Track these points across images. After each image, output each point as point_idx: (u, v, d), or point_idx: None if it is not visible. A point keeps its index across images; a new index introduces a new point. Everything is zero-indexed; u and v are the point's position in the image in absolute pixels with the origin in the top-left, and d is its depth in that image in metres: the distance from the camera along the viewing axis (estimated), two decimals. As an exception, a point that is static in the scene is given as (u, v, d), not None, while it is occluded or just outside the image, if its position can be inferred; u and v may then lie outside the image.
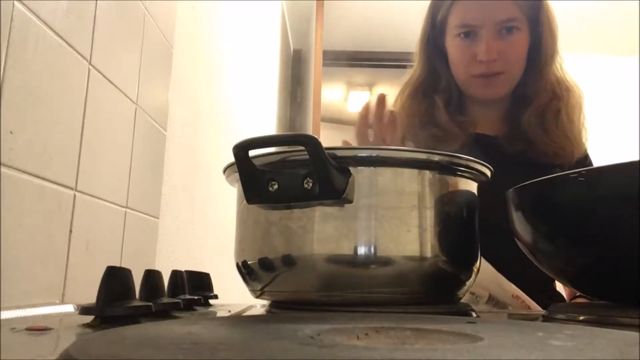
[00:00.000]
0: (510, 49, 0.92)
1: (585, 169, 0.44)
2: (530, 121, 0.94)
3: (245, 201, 0.45)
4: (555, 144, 0.93)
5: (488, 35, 0.91)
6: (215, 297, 0.62)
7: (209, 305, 0.61)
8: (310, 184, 0.43)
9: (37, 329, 0.34)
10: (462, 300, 0.54)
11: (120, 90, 0.74)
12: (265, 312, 0.54)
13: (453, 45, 0.97)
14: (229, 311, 0.56)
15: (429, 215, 0.47)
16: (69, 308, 0.54)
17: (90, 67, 0.65)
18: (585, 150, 0.98)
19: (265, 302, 0.57)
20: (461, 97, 1.00)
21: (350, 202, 0.45)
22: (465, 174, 0.50)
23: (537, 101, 0.95)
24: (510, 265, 0.69)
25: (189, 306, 0.52)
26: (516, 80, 0.96)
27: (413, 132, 0.96)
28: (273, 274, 0.49)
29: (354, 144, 0.81)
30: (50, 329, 0.35)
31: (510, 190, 0.51)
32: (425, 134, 0.94)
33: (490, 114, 1.00)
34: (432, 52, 1.01)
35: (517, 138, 0.94)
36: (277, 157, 0.46)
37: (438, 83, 1.00)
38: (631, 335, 0.27)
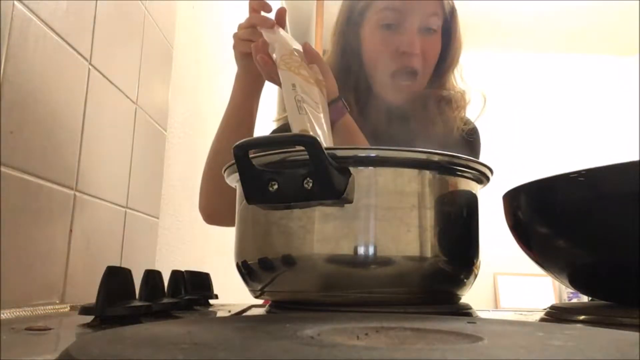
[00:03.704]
0: (429, 49, 0.89)
1: (585, 169, 0.44)
2: (415, 100, 0.91)
3: (245, 201, 0.45)
4: (431, 124, 0.89)
5: (412, 29, 0.87)
6: (215, 297, 0.62)
7: (209, 305, 0.61)
8: (310, 184, 0.43)
9: (37, 329, 0.34)
10: None
11: (120, 90, 0.74)
12: (265, 312, 0.54)
13: (372, 37, 0.90)
14: (229, 311, 0.56)
15: (429, 215, 0.47)
16: (69, 308, 0.54)
17: (90, 67, 0.65)
18: (455, 139, 0.92)
19: (265, 302, 0.57)
20: (369, 98, 0.92)
21: (350, 202, 0.45)
22: (465, 174, 0.50)
23: (428, 90, 0.92)
24: None
25: (189, 306, 0.52)
26: (424, 84, 0.92)
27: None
28: (273, 274, 0.49)
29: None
30: (50, 329, 0.35)
31: (510, 190, 0.51)
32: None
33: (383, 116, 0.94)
34: (348, 41, 0.93)
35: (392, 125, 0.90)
36: (277, 157, 0.46)
37: (348, 79, 0.91)
38: (631, 335, 0.27)
